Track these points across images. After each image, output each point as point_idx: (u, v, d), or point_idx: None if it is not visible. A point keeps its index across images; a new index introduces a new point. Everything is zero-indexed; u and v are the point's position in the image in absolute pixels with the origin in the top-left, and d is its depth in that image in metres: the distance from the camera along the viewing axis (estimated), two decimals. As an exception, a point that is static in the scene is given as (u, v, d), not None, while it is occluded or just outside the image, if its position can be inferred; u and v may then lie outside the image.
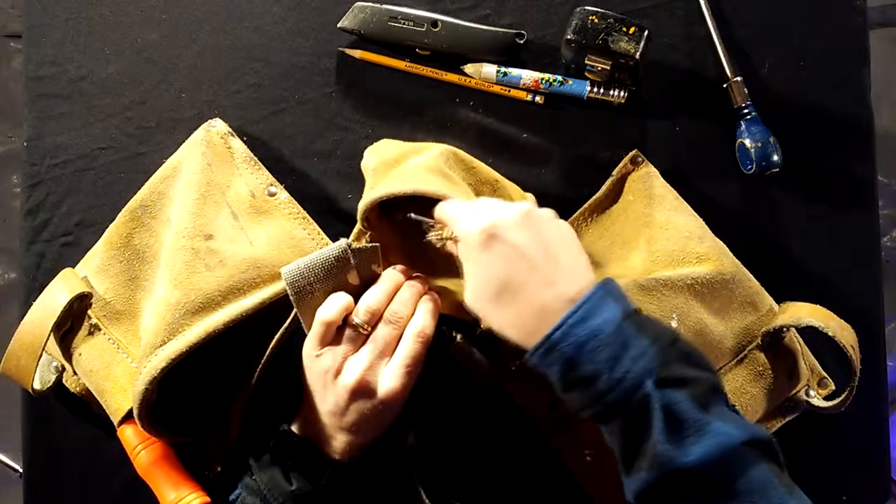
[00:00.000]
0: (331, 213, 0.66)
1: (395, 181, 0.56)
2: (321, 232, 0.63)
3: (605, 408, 0.45)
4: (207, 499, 0.60)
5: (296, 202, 0.64)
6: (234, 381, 0.60)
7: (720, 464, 0.43)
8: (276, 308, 0.57)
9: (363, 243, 0.56)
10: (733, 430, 0.43)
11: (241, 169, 0.64)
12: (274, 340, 0.57)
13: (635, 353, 0.44)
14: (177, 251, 0.58)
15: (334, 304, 0.53)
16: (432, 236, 0.54)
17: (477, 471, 0.64)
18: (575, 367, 0.45)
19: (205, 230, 0.59)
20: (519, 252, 0.48)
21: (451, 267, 0.57)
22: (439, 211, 0.53)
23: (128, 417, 0.59)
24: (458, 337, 0.57)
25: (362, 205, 0.56)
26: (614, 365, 0.44)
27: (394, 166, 0.61)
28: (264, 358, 0.57)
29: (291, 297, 0.54)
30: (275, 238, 0.62)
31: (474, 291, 0.50)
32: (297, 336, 0.56)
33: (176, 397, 0.58)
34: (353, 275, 0.55)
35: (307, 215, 0.64)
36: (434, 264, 0.60)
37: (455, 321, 0.59)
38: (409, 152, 0.61)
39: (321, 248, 0.58)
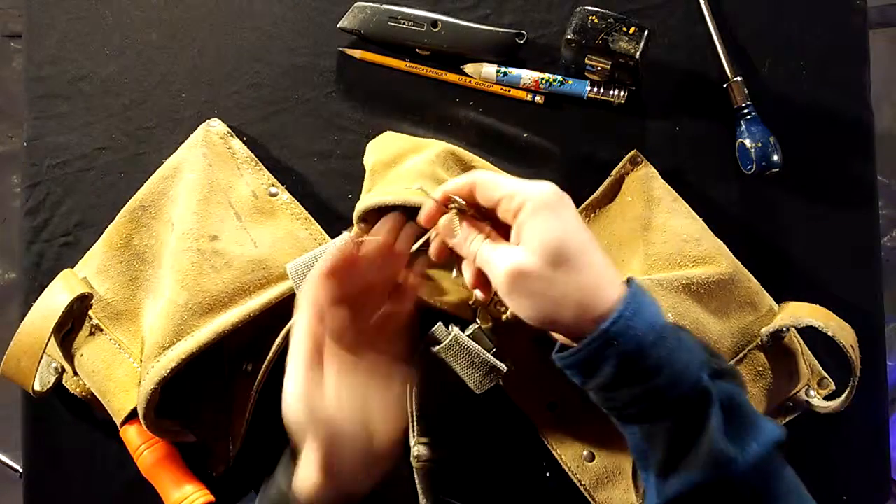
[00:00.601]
0: (331, 213, 0.66)
1: (389, 187, 0.56)
2: (323, 232, 0.64)
3: (661, 403, 0.43)
4: (211, 498, 0.60)
5: (297, 202, 0.64)
6: (239, 380, 0.60)
7: (770, 461, 0.41)
8: (280, 307, 0.57)
9: (365, 237, 0.56)
10: (776, 427, 0.42)
11: (243, 169, 0.64)
12: (279, 339, 0.57)
13: (688, 345, 0.43)
14: (182, 252, 0.58)
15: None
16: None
17: (475, 471, 0.64)
18: (635, 362, 0.42)
19: (209, 231, 0.59)
20: (579, 222, 0.45)
21: (448, 264, 0.58)
22: (484, 187, 0.47)
23: (130, 417, 0.59)
24: (455, 333, 0.57)
25: (356, 210, 0.57)
26: (673, 358, 0.42)
27: (391, 166, 0.61)
28: (269, 357, 0.57)
29: (297, 294, 0.54)
30: (278, 239, 0.62)
31: (537, 250, 0.44)
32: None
33: (180, 397, 0.58)
34: None
35: (309, 216, 0.64)
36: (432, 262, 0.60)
37: (453, 318, 0.59)
38: (408, 151, 0.61)
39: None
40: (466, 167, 0.61)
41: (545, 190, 0.45)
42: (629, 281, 0.46)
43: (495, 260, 0.46)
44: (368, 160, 0.63)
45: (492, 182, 0.47)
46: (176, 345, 0.55)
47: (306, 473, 0.45)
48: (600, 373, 0.44)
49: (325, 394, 0.46)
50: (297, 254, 0.60)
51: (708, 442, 0.41)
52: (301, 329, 0.47)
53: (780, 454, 0.43)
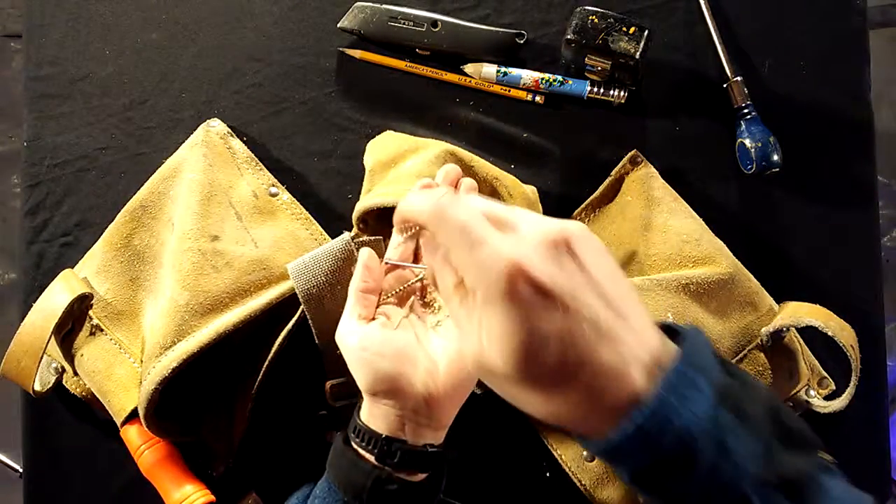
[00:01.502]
0: (331, 212, 0.66)
1: (387, 188, 0.56)
2: (324, 232, 0.64)
3: None
4: (212, 497, 0.60)
5: (297, 202, 0.64)
6: (239, 380, 0.60)
7: None
8: (280, 307, 0.57)
9: (365, 237, 0.56)
10: None
11: (243, 169, 0.64)
12: (279, 339, 0.57)
13: (737, 455, 0.33)
14: (183, 252, 0.58)
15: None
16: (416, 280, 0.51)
17: (475, 471, 0.64)
18: (655, 479, 0.34)
19: (210, 231, 0.59)
20: (564, 300, 0.32)
21: None
22: (450, 228, 0.36)
23: (131, 417, 0.59)
24: None
25: (355, 212, 0.57)
26: (710, 478, 0.33)
27: (390, 166, 0.61)
28: (269, 357, 0.57)
29: (298, 293, 0.54)
30: (279, 239, 0.62)
31: (498, 356, 0.34)
32: (301, 334, 0.56)
33: (180, 397, 0.58)
34: None
35: (309, 216, 0.64)
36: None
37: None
38: (408, 152, 0.61)
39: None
40: (465, 167, 0.61)
41: (488, 274, 0.33)
42: (689, 352, 0.34)
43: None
44: (368, 160, 0.63)
45: (428, 235, 0.40)
46: (177, 345, 0.55)
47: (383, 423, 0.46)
48: (618, 472, 0.36)
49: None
50: (297, 254, 0.60)
51: None
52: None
53: None
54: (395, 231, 0.53)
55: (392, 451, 0.46)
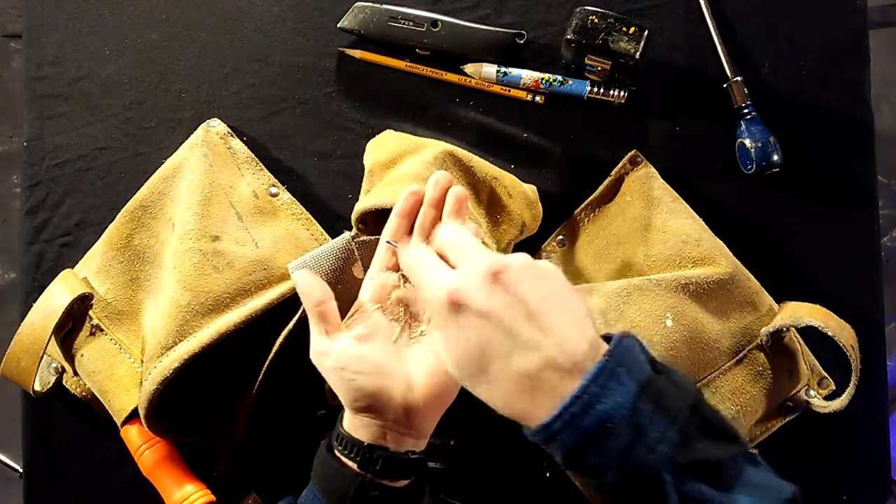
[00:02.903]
0: (331, 212, 0.66)
1: (386, 190, 0.56)
2: (324, 233, 0.64)
3: (612, 493, 0.40)
4: (212, 497, 0.60)
5: (298, 203, 0.64)
6: (239, 380, 0.60)
7: None
8: (280, 306, 0.57)
9: (366, 236, 0.56)
10: None
11: (243, 169, 0.64)
12: (279, 339, 0.57)
13: (651, 439, 0.38)
14: (184, 253, 0.58)
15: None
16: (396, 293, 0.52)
17: (475, 471, 0.64)
18: (580, 458, 0.39)
19: (211, 231, 0.59)
20: (492, 319, 0.40)
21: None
22: (403, 266, 0.49)
23: (131, 417, 0.60)
24: None
25: (354, 212, 0.57)
26: (626, 456, 0.38)
27: (389, 167, 0.61)
28: (269, 357, 0.57)
29: (299, 293, 0.54)
30: (279, 239, 0.62)
31: (452, 365, 0.43)
32: (301, 334, 0.56)
33: (180, 397, 0.58)
34: (357, 267, 0.55)
35: (310, 216, 0.64)
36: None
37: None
38: (406, 152, 0.61)
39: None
40: (465, 168, 0.61)
41: (436, 300, 0.42)
42: (617, 350, 0.40)
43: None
44: (367, 160, 0.63)
45: (403, 262, 0.49)
46: (178, 345, 0.55)
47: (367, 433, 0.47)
48: (553, 453, 0.41)
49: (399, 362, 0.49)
50: (298, 254, 0.60)
51: None
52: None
53: None
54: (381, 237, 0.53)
55: (374, 458, 0.46)
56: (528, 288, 0.41)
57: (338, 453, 0.48)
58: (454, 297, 0.41)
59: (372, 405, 0.46)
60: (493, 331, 0.41)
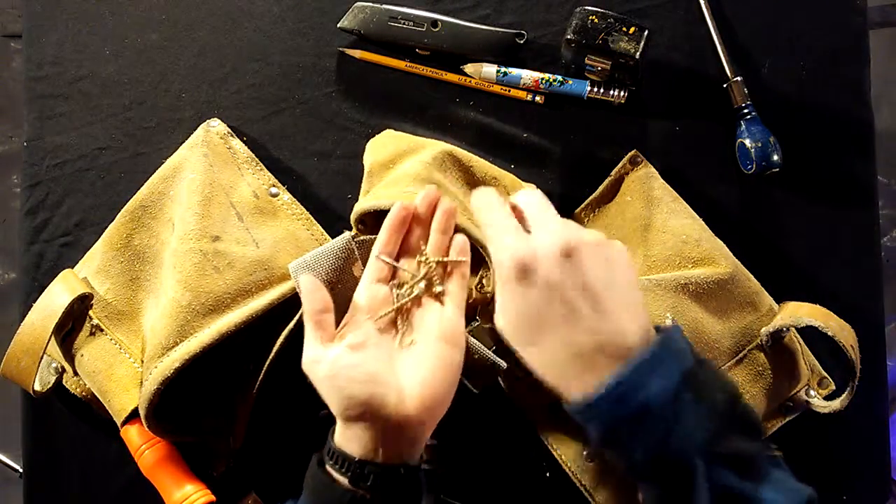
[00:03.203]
0: (331, 213, 0.66)
1: (385, 190, 0.56)
2: (325, 233, 0.64)
3: (643, 475, 0.42)
4: (212, 497, 0.60)
5: (298, 203, 0.64)
6: (240, 380, 0.60)
7: None
8: (281, 307, 0.57)
9: (366, 236, 0.56)
10: (783, 501, 0.40)
11: (243, 170, 0.64)
12: (280, 339, 0.57)
13: (688, 428, 0.40)
14: (184, 253, 0.58)
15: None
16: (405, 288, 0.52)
17: (475, 471, 0.64)
18: (617, 437, 0.42)
19: (211, 231, 0.59)
20: (556, 293, 0.43)
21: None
22: (474, 211, 0.49)
23: (131, 417, 0.59)
24: None
25: (354, 213, 0.57)
26: (663, 442, 0.40)
27: (388, 167, 0.61)
28: (269, 357, 0.57)
29: (300, 292, 0.54)
30: (279, 239, 0.62)
31: (508, 322, 0.45)
32: (302, 334, 0.56)
33: (180, 397, 0.58)
34: (357, 267, 0.55)
35: (310, 216, 0.64)
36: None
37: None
38: (406, 152, 0.61)
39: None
40: (464, 168, 0.61)
41: (506, 262, 0.44)
42: (665, 339, 0.43)
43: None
44: (367, 160, 0.63)
45: (481, 212, 0.48)
46: (179, 345, 0.55)
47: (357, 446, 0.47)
48: (589, 431, 0.43)
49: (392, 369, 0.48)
50: (298, 254, 0.60)
51: None
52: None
53: None
54: (381, 232, 0.53)
55: (365, 474, 0.46)
56: (596, 270, 0.44)
57: (329, 468, 0.47)
58: (525, 263, 0.43)
59: (364, 413, 0.46)
60: (555, 303, 0.43)
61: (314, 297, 0.50)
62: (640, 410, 0.40)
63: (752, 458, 0.41)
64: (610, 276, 0.44)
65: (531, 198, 0.48)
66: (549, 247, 0.43)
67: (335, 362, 0.47)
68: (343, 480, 0.46)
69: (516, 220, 0.47)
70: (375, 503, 0.46)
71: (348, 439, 0.47)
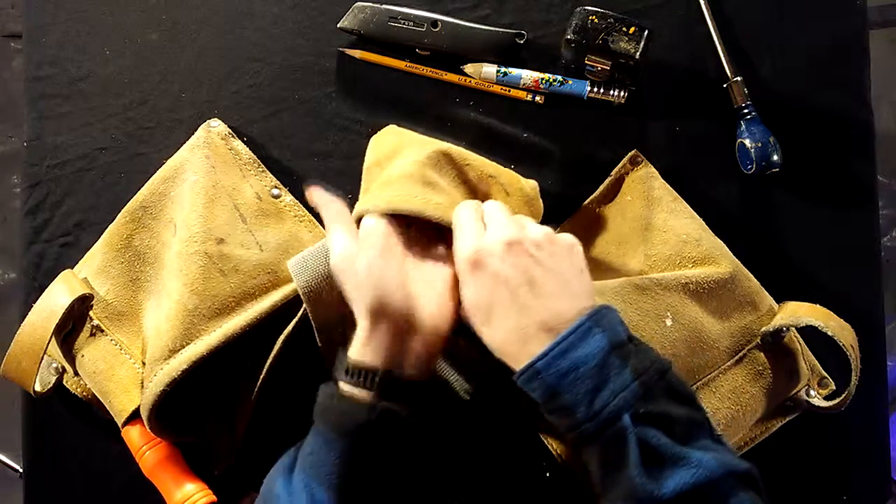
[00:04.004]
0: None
1: (382, 193, 0.56)
2: (325, 233, 0.64)
3: (582, 436, 0.46)
4: (214, 497, 0.60)
5: (300, 204, 0.64)
6: (241, 380, 0.60)
7: (697, 495, 0.43)
8: (283, 308, 0.57)
9: None
10: (711, 461, 0.43)
11: (246, 171, 0.64)
12: (281, 339, 0.57)
13: (615, 386, 0.45)
14: (189, 256, 0.58)
15: None
16: None
17: (475, 470, 0.64)
18: (555, 396, 0.46)
19: (215, 234, 0.59)
20: (499, 281, 0.49)
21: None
22: (453, 218, 0.54)
23: (132, 418, 0.60)
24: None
25: (354, 213, 0.56)
26: (593, 397, 0.45)
27: (385, 164, 0.61)
28: (270, 357, 0.58)
29: (299, 289, 0.54)
30: (283, 242, 0.62)
31: (467, 309, 0.51)
32: (303, 334, 0.57)
33: (182, 398, 0.58)
34: None
35: (312, 218, 0.64)
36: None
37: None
38: (401, 148, 0.61)
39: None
40: (459, 167, 0.61)
41: (460, 255, 0.51)
42: (596, 313, 0.47)
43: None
44: (368, 157, 0.63)
45: (454, 215, 0.54)
46: (185, 348, 0.55)
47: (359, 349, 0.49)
48: (534, 395, 0.47)
49: (397, 272, 0.51)
50: (300, 255, 0.60)
51: (627, 477, 0.44)
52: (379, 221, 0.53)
53: (735, 484, 0.44)
54: None
55: (389, 382, 0.48)
56: (538, 260, 0.49)
57: (348, 387, 0.49)
58: (475, 257, 0.50)
59: (391, 310, 0.49)
60: (500, 290, 0.49)
61: (330, 206, 0.54)
62: (569, 369, 0.45)
63: (684, 422, 0.45)
64: (551, 265, 0.50)
65: (491, 205, 0.55)
66: (494, 242, 0.50)
67: (372, 260, 0.50)
68: (365, 395, 0.48)
69: (479, 224, 0.52)
70: (409, 419, 0.49)
71: (371, 350, 0.49)
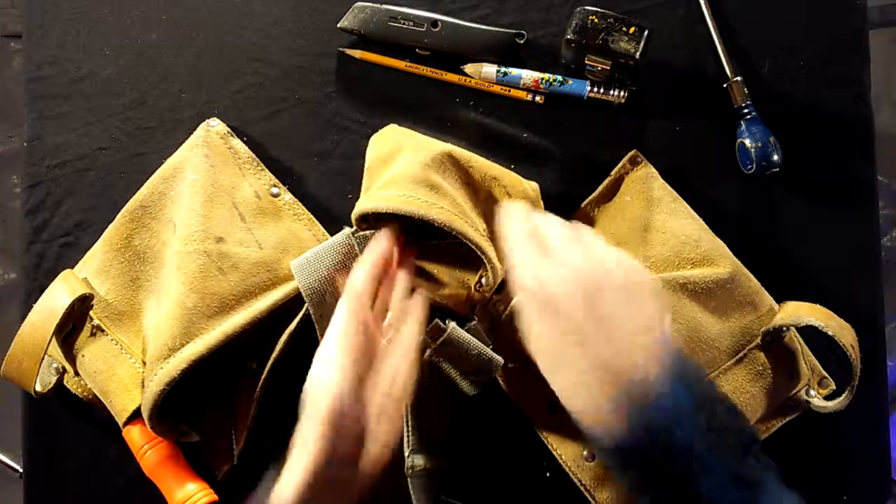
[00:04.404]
0: (331, 213, 0.66)
1: (383, 192, 0.56)
2: (326, 233, 0.64)
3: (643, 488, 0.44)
4: (215, 497, 0.60)
5: (299, 203, 0.64)
6: (243, 380, 0.60)
7: None
8: (284, 307, 0.57)
9: (366, 232, 0.57)
10: None
11: (244, 170, 0.64)
12: (283, 338, 0.57)
13: (699, 447, 0.42)
14: (188, 255, 0.58)
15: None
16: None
17: (475, 471, 0.64)
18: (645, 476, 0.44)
19: (214, 233, 0.59)
20: (571, 326, 0.45)
21: (447, 260, 0.58)
22: (504, 244, 0.51)
23: (133, 418, 0.60)
24: (453, 326, 0.57)
25: (354, 213, 0.57)
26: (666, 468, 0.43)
27: (387, 163, 0.61)
28: (273, 355, 0.58)
29: (302, 290, 0.54)
30: (282, 240, 0.62)
31: (533, 351, 0.48)
32: (305, 334, 0.57)
33: (183, 398, 0.58)
34: None
35: (311, 216, 0.64)
36: (432, 258, 0.60)
37: (450, 316, 0.59)
38: (403, 148, 0.61)
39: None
40: (463, 169, 0.61)
41: (526, 293, 0.47)
42: (674, 367, 0.44)
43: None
44: (369, 155, 0.63)
45: (506, 243, 0.50)
46: (185, 347, 0.55)
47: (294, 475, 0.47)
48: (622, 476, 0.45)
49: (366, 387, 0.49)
50: (300, 255, 0.60)
51: None
52: (349, 318, 0.49)
53: None
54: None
55: None
56: (613, 304, 0.46)
57: None
58: (543, 296, 0.46)
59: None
60: (572, 335, 0.45)
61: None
62: (664, 453, 0.42)
63: (758, 480, 0.43)
64: (627, 309, 0.46)
65: (554, 226, 0.51)
66: (570, 283, 0.46)
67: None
68: None
69: (539, 248, 0.49)
70: None
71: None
